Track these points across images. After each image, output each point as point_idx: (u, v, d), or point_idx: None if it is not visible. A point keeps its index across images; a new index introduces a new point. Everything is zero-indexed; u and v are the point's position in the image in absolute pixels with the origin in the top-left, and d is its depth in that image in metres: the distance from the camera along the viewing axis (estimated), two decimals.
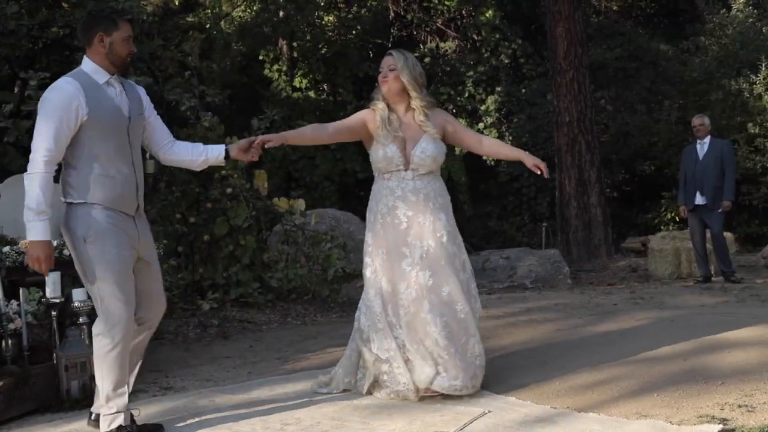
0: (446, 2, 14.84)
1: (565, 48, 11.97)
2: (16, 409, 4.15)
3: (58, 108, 3.44)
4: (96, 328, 3.58)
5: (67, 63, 9.57)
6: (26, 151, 8.08)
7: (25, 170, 6.94)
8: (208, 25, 12.22)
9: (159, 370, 5.21)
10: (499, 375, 4.63)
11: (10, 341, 4.26)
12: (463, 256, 4.32)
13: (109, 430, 3.58)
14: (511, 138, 14.49)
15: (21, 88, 10.01)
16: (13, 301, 4.35)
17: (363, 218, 11.54)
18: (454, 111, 14.98)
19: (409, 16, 15.42)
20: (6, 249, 4.48)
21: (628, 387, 4.21)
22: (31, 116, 6.87)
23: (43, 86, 6.52)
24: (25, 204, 3.45)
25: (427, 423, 3.73)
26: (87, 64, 3.62)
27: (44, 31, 7.27)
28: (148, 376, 4.92)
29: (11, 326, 4.27)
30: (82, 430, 3.88)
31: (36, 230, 3.43)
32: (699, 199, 8.60)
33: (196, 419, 4.00)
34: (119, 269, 3.53)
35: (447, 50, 15.30)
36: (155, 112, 3.91)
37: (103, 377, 3.57)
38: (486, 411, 3.85)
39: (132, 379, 3.84)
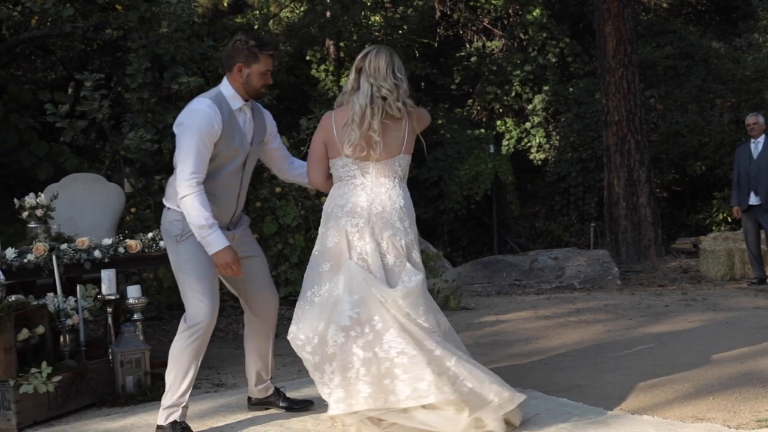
0: (493, 1, 14.76)
1: (614, 46, 11.83)
2: (74, 403, 4.24)
3: (200, 131, 3.53)
4: (181, 325, 3.69)
5: (118, 64, 9.75)
6: (80, 150, 8.29)
7: (80, 170, 7.10)
8: (256, 26, 12.34)
9: (210, 366, 5.27)
10: (550, 376, 4.59)
11: (68, 337, 4.35)
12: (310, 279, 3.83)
13: (165, 423, 3.64)
14: (558, 137, 14.36)
15: (75, 88, 10.26)
16: (70, 297, 4.44)
17: None
18: (500, 110, 14.90)
19: (455, 16, 15.38)
20: (64, 246, 4.57)
21: (682, 389, 4.15)
22: (86, 116, 7.01)
23: (98, 87, 6.65)
24: (192, 225, 3.53)
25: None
26: (226, 88, 3.68)
27: (98, 33, 7.42)
28: (201, 372, 4.96)
29: (69, 322, 4.36)
30: (138, 425, 3.95)
31: (214, 242, 3.52)
32: (753, 200, 8.43)
33: (249, 416, 4.04)
34: (204, 269, 3.62)
35: (493, 49, 15.22)
36: (278, 138, 4.00)
37: (172, 370, 3.67)
38: (537, 412, 3.82)
39: (268, 373, 4.13)
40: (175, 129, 3.65)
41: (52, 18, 6.73)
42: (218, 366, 5.31)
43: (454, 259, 12.65)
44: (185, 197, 3.52)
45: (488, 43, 15.30)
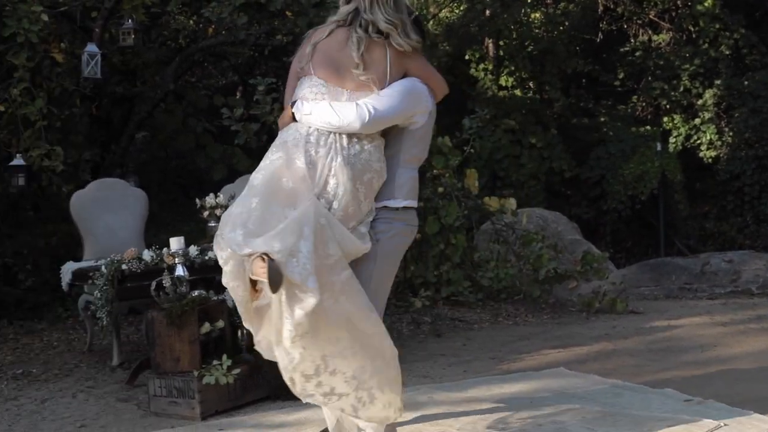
0: None
1: None
2: (251, 395, 4.42)
3: None
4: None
5: (284, 68, 10.09)
6: (251, 152, 8.65)
7: (252, 171, 7.40)
8: None
9: None
10: (732, 386, 4.34)
11: (244, 331, 4.53)
12: None
13: None
14: (731, 134, 13.59)
15: (243, 92, 10.72)
16: None
17: (570, 218, 11.31)
18: (667, 106, 14.27)
19: (619, 9, 14.84)
20: None
21: None
22: (257, 119, 7.29)
23: (269, 91, 6.90)
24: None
25: None
26: None
27: (269, 39, 7.69)
28: None
29: None
30: (311, 419, 4.05)
31: None
32: None
33: (419, 413, 4.06)
34: None
35: (660, 43, 14.58)
36: None
37: None
38: (722, 424, 3.62)
39: None
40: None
41: (228, 26, 7.05)
42: None
43: (617, 260, 12.21)
44: None
45: (654, 37, 14.66)
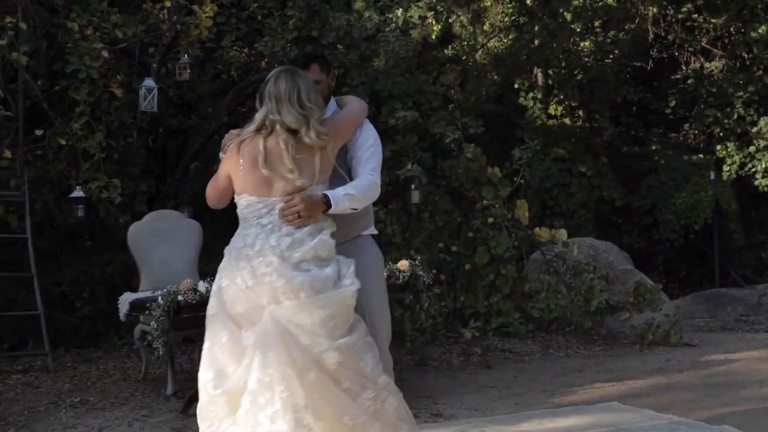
0: (712, 20, 14.00)
1: None
2: None
3: None
4: None
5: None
6: None
7: None
8: (464, 57, 12.49)
9: (428, 396, 5.33)
10: None
11: None
12: None
13: None
14: None
15: None
16: None
17: (622, 248, 11.17)
18: (720, 134, 14.08)
19: (670, 37, 14.72)
20: None
21: None
22: None
23: None
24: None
25: None
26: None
27: None
28: (418, 402, 5.06)
29: None
30: None
31: None
32: None
33: None
34: None
35: (713, 70, 14.42)
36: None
37: None
38: None
39: None
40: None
41: (280, 59, 7.18)
42: (435, 396, 5.37)
43: (670, 291, 12.02)
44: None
45: (707, 64, 14.51)
